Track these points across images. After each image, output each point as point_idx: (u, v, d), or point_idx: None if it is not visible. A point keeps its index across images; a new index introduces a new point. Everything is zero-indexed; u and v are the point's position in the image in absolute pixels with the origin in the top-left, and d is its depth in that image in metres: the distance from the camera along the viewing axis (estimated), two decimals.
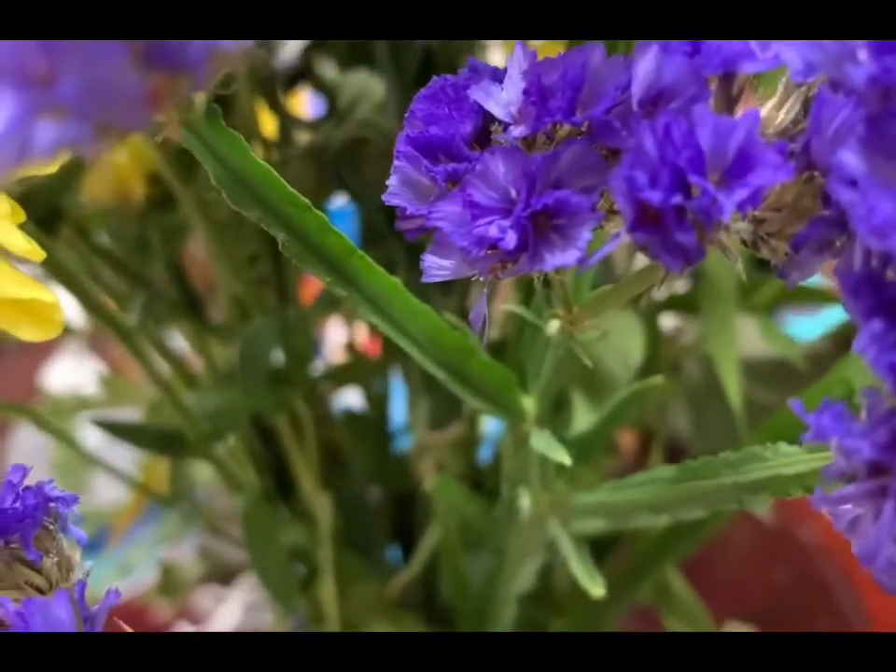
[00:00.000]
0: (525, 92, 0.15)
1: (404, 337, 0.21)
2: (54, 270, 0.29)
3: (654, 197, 0.13)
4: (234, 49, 0.10)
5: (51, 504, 0.18)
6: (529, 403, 0.26)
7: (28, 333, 0.20)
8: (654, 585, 0.42)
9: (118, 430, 0.35)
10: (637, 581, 0.41)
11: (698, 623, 0.42)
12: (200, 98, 0.14)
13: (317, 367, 0.44)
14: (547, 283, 0.21)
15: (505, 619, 0.37)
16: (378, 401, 0.46)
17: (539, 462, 0.27)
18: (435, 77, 0.17)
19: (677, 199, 0.13)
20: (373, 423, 0.45)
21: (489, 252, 0.16)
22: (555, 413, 0.27)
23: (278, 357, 0.39)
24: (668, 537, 0.38)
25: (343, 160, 0.34)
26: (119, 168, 0.35)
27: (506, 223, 0.15)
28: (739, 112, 0.15)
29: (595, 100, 0.15)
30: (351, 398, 0.49)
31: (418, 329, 0.22)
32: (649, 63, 0.14)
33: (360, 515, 0.44)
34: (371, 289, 0.20)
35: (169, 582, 0.41)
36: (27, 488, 0.17)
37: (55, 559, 0.17)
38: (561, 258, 0.15)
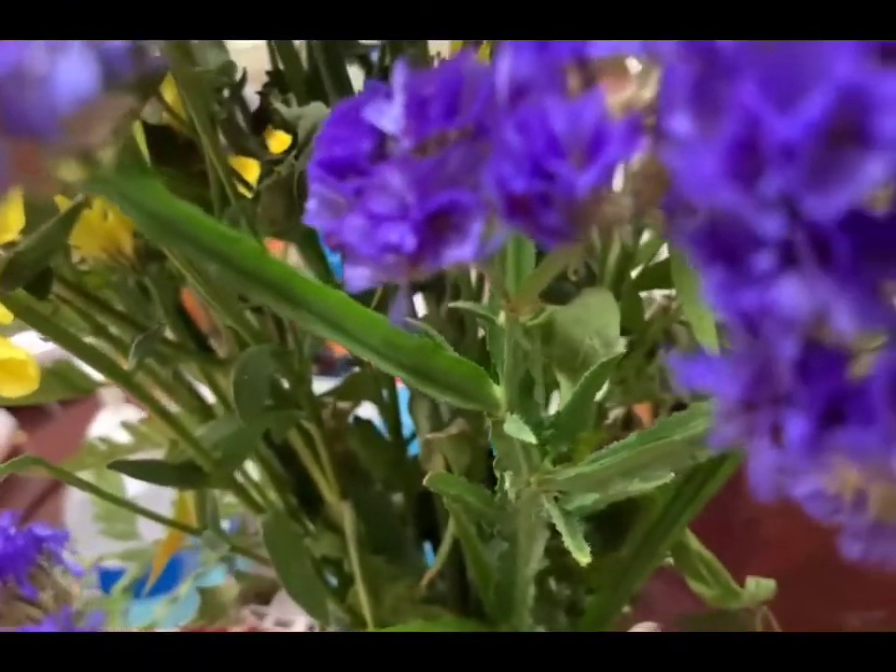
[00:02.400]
0: (405, 105, 0.17)
1: (361, 346, 0.23)
2: (48, 330, 0.30)
3: (517, 186, 0.14)
4: (92, 113, 0.12)
5: (44, 544, 0.19)
6: (500, 391, 0.27)
7: (9, 390, 0.21)
8: (672, 548, 0.43)
9: (135, 470, 0.36)
10: (653, 548, 0.41)
11: (720, 580, 0.43)
12: (107, 154, 0.16)
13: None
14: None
15: (527, 599, 0.38)
16: (390, 409, 0.47)
17: (522, 445, 0.28)
18: (339, 102, 0.19)
19: (537, 185, 0.14)
20: (387, 430, 0.47)
21: (395, 256, 0.17)
22: (528, 397, 0.28)
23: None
24: (675, 500, 0.39)
25: (306, 187, 0.35)
26: (107, 224, 0.37)
27: (405, 228, 0.16)
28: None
29: (472, 103, 0.16)
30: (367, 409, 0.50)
31: (375, 337, 0.23)
32: (506, 61, 0.15)
33: (384, 520, 0.46)
34: (320, 307, 0.21)
35: (209, 606, 0.43)
36: (18, 531, 0.19)
37: (52, 593, 0.19)
38: (458, 252, 0.16)
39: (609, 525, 0.49)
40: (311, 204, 0.19)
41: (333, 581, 0.46)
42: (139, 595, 0.55)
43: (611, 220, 0.16)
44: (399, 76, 0.17)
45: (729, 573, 0.44)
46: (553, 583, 0.49)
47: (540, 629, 0.40)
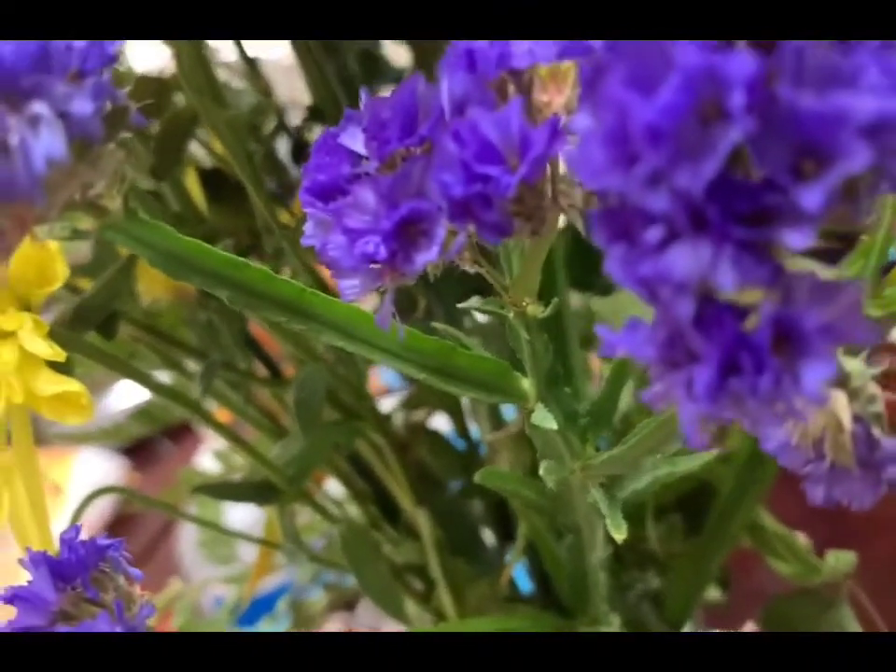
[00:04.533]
0: (366, 129, 0.18)
1: (377, 351, 0.24)
2: (121, 369, 0.33)
3: (457, 191, 0.16)
4: (68, 172, 0.14)
5: (106, 552, 0.22)
6: (527, 384, 0.28)
7: (71, 419, 0.24)
8: (747, 528, 0.43)
9: (216, 491, 0.39)
10: (725, 529, 0.42)
11: (798, 556, 0.43)
12: (116, 204, 0.18)
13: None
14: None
15: (599, 587, 0.39)
16: (457, 415, 0.49)
17: (560, 434, 0.30)
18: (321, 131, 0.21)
19: (473, 188, 0.16)
20: (455, 436, 0.48)
21: (375, 265, 0.19)
22: (558, 388, 0.29)
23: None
24: (739, 480, 0.40)
25: None
26: None
27: (377, 238, 0.18)
28: (542, 101, 0.18)
29: (426, 120, 0.18)
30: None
31: (390, 342, 0.25)
32: (444, 81, 0.17)
33: (460, 524, 0.47)
34: (332, 318, 0.23)
35: (301, 617, 0.45)
36: (81, 542, 0.21)
37: (114, 595, 0.21)
38: (425, 255, 0.18)
39: (694, 512, 0.50)
40: (307, 227, 0.21)
41: (419, 585, 0.48)
42: (250, 617, 0.58)
43: (567, 209, 0.18)
44: (362, 101, 0.19)
45: None
46: (638, 574, 0.50)
47: (615, 618, 0.41)
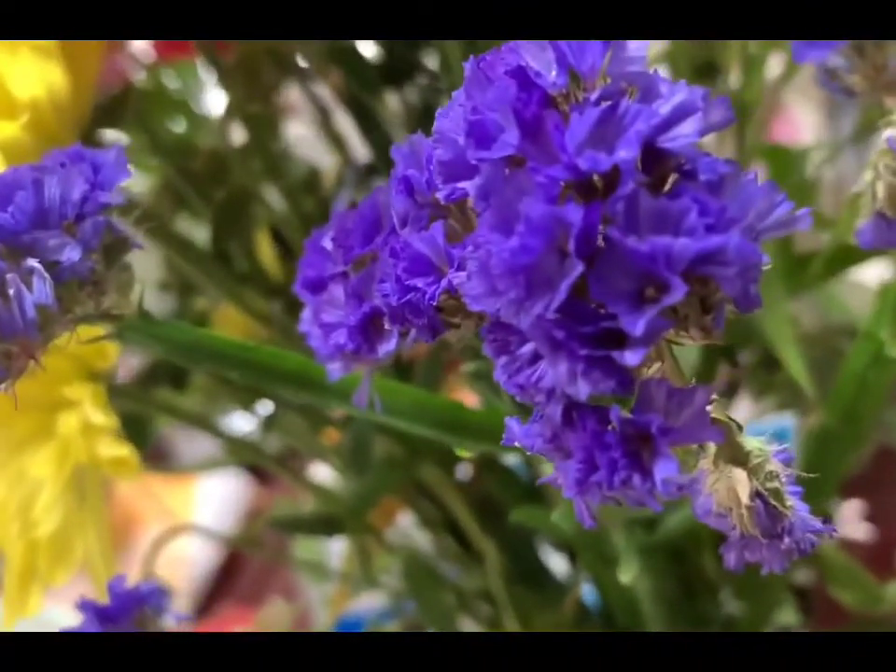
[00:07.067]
0: (332, 237, 0.21)
1: (385, 414, 0.27)
2: (185, 417, 0.37)
3: (392, 300, 0.19)
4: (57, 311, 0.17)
5: (147, 598, 0.25)
6: None
7: (125, 476, 0.28)
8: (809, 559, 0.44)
9: (285, 524, 0.43)
10: None
11: (859, 583, 0.43)
12: (129, 309, 0.21)
13: None
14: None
15: (651, 615, 0.41)
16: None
17: None
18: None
19: (405, 297, 0.19)
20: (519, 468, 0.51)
21: (347, 353, 0.21)
22: None
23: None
24: None
25: None
26: (237, 321, 0.43)
27: (345, 332, 0.21)
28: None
29: (383, 231, 0.21)
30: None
31: (399, 404, 0.27)
32: (390, 199, 0.20)
33: (526, 553, 0.50)
34: (342, 387, 0.26)
35: None
36: (125, 589, 0.25)
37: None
38: (386, 346, 0.21)
39: None
40: (304, 314, 0.24)
41: (488, 611, 0.50)
42: None
43: None
44: (334, 212, 0.22)
45: None
46: (708, 601, 0.51)
47: None
